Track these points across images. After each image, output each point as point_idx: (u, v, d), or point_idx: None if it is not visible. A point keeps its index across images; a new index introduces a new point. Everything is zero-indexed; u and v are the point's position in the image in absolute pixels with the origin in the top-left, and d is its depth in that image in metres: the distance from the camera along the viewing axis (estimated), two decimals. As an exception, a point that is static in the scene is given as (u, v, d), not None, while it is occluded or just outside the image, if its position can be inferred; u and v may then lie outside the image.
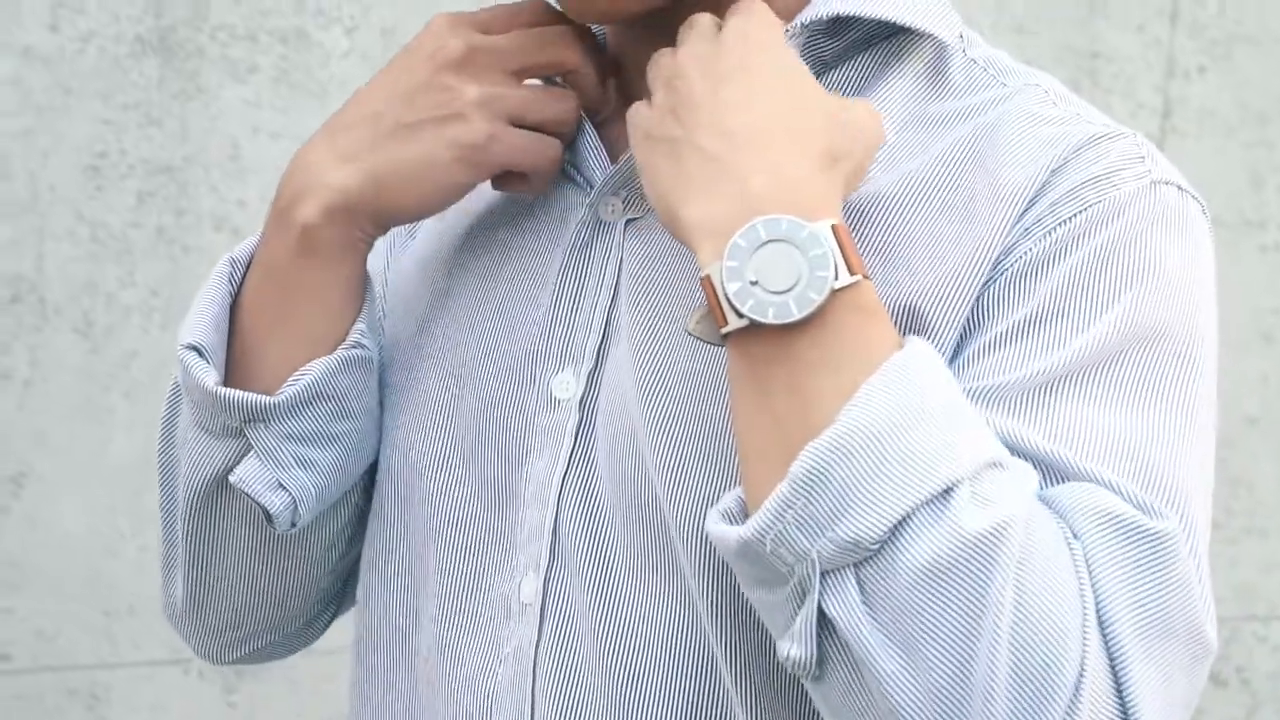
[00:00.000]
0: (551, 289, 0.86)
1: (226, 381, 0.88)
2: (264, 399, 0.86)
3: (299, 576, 0.95)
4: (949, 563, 0.65)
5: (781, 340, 0.70)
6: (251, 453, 0.87)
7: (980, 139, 0.79)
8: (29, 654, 1.91)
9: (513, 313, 0.87)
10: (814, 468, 0.66)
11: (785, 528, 0.67)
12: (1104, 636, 0.66)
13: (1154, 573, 0.67)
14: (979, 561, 0.65)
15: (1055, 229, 0.75)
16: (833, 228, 0.70)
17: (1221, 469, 2.16)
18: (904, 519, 0.66)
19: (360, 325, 0.88)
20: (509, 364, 0.86)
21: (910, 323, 0.76)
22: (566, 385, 0.84)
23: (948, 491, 0.66)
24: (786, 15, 0.83)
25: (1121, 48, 2.05)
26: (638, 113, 0.78)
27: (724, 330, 0.71)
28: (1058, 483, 0.70)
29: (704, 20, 0.78)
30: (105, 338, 1.88)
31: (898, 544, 0.66)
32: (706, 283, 0.71)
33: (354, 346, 0.88)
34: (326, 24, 1.87)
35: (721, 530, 0.70)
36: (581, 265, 0.85)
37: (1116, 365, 0.73)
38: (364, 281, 0.89)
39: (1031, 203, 0.76)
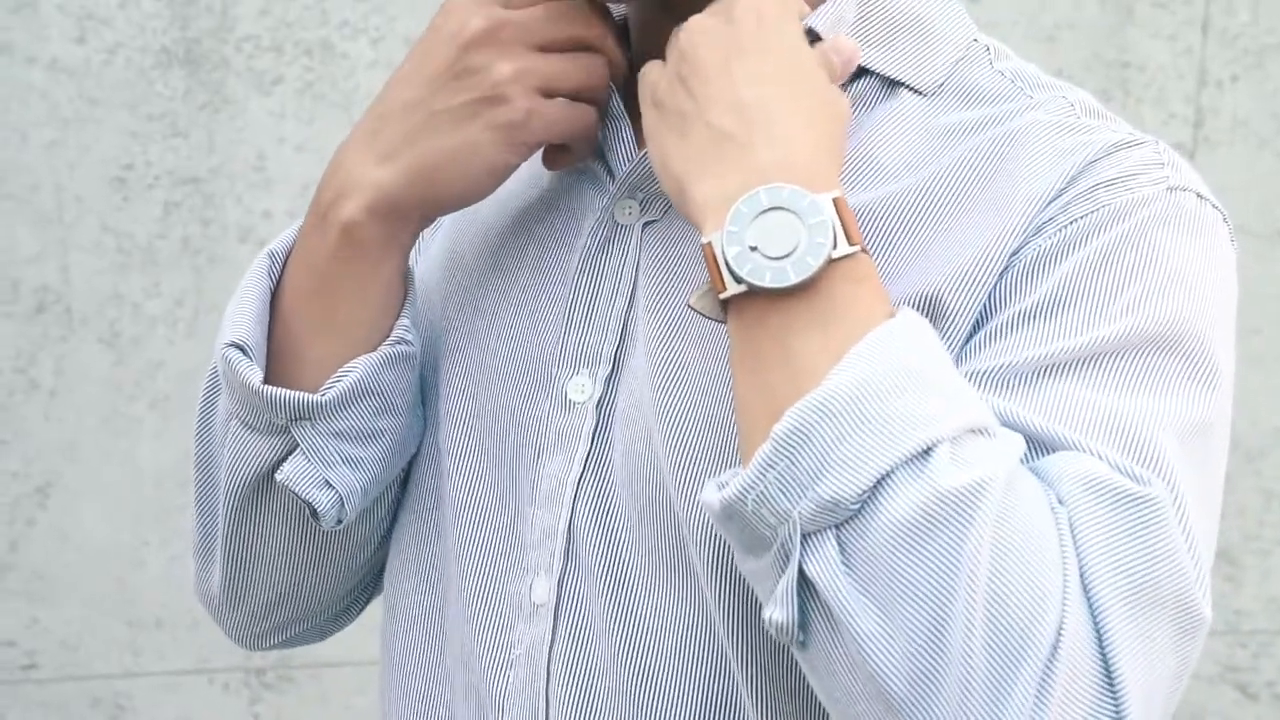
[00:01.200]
0: (568, 292, 0.86)
1: (268, 377, 0.87)
2: (311, 397, 0.86)
3: (337, 568, 0.95)
4: (925, 519, 0.65)
5: (777, 305, 0.70)
6: (298, 450, 0.87)
7: (1002, 145, 0.79)
8: (54, 663, 1.92)
9: (530, 314, 0.87)
10: (796, 427, 0.67)
11: (767, 487, 0.67)
12: (1088, 600, 0.65)
13: (1140, 538, 0.67)
14: (955, 518, 0.65)
15: (1067, 226, 0.75)
16: (834, 200, 0.71)
17: (1254, 481, 2.14)
18: (883, 478, 0.66)
19: (404, 320, 0.88)
20: (526, 364, 0.86)
21: (927, 312, 0.76)
22: (582, 388, 0.84)
23: (927, 451, 0.66)
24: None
25: (1153, 57, 2.03)
26: (649, 73, 0.79)
27: (722, 295, 0.71)
28: (1049, 450, 0.70)
29: None
30: (131, 348, 1.88)
31: (876, 502, 0.66)
32: (708, 249, 0.71)
33: (398, 342, 0.88)
34: (352, 35, 1.87)
35: (709, 496, 0.71)
36: (598, 268, 0.85)
37: (1120, 358, 0.72)
38: (407, 276, 0.88)
39: (1048, 205, 0.76)
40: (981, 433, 0.68)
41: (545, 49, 0.83)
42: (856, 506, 0.66)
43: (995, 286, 0.76)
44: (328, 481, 0.87)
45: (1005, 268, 0.76)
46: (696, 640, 0.79)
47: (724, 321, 0.73)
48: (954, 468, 0.66)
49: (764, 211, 0.70)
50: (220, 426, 0.90)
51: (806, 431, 0.67)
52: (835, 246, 0.70)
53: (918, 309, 0.75)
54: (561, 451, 0.84)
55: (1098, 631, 0.65)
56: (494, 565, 0.86)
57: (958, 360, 0.75)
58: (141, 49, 1.84)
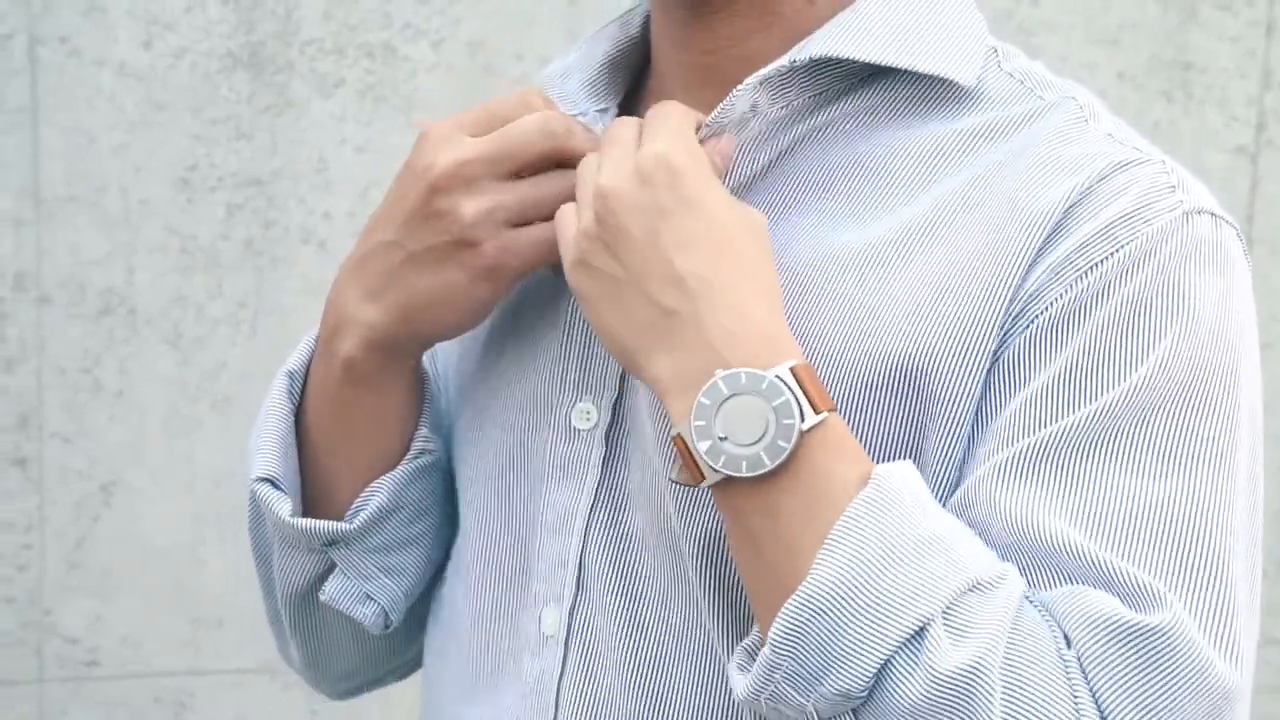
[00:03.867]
0: (564, 319, 0.85)
1: (304, 492, 0.89)
2: (339, 526, 0.87)
3: (403, 641, 0.98)
4: (931, 704, 0.66)
5: (759, 490, 0.71)
6: (337, 569, 0.89)
7: (1007, 161, 0.77)
8: (116, 661, 1.94)
9: (532, 343, 0.87)
10: (789, 630, 0.68)
11: (777, 687, 0.69)
12: None
13: (1156, 673, 0.67)
14: (958, 699, 0.66)
15: (1088, 272, 0.73)
16: (792, 369, 0.70)
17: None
18: (884, 665, 0.67)
19: (422, 431, 0.89)
20: (526, 393, 0.86)
21: (920, 376, 0.74)
22: (587, 415, 0.84)
23: (921, 630, 0.67)
24: (795, 35, 0.82)
25: (1216, 59, 2.01)
26: (567, 229, 0.77)
27: (703, 484, 0.72)
28: (1062, 575, 0.70)
29: (623, 135, 0.77)
30: (194, 349, 1.90)
31: (884, 690, 0.67)
32: (679, 440, 0.72)
33: (418, 455, 0.89)
34: (414, 37, 1.88)
35: (734, 680, 0.72)
36: None
37: (1152, 421, 0.71)
38: (419, 388, 0.89)
39: (1054, 234, 0.74)
40: (976, 589, 0.68)
41: (514, 174, 0.81)
42: (865, 695, 0.68)
43: (1011, 348, 0.74)
44: (369, 595, 0.89)
45: (1016, 321, 0.74)
46: (709, 673, 0.79)
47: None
48: (951, 644, 0.66)
49: (726, 399, 0.70)
50: (269, 533, 0.92)
51: (801, 631, 0.68)
52: (803, 419, 0.70)
53: (905, 378, 0.74)
54: (568, 481, 0.84)
55: None
56: (504, 596, 0.86)
57: (981, 437, 0.74)
58: (206, 53, 1.86)
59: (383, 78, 1.88)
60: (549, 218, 0.81)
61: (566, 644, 0.83)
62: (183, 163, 1.87)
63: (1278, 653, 2.16)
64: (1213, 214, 0.76)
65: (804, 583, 0.68)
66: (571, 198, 0.80)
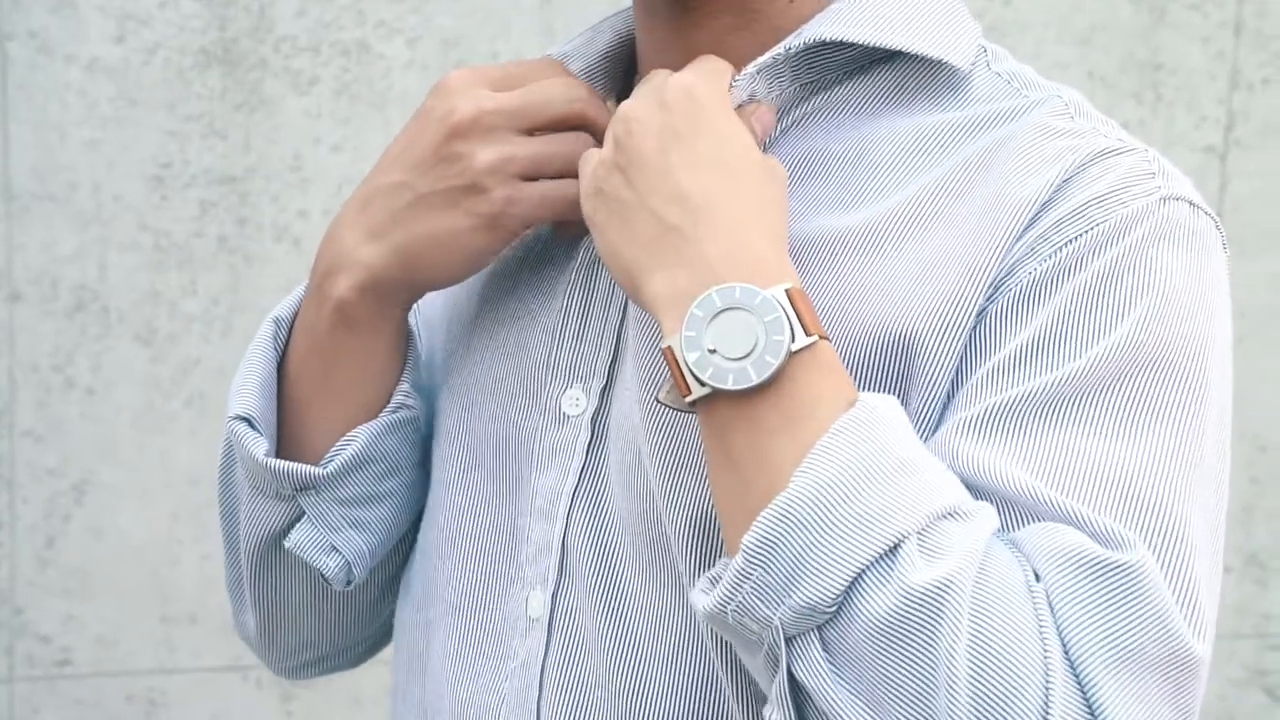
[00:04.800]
0: (560, 306, 0.86)
1: (279, 439, 0.89)
2: (312, 470, 0.87)
3: (360, 614, 0.98)
4: (899, 618, 0.66)
5: (743, 405, 0.71)
6: (305, 517, 0.89)
7: (991, 151, 0.79)
8: (90, 659, 1.93)
9: (522, 330, 0.88)
10: (764, 538, 0.68)
11: (745, 598, 0.69)
12: (1077, 676, 0.66)
13: (1122, 607, 0.67)
14: (926, 615, 0.66)
15: (1062, 247, 0.74)
16: (787, 291, 0.71)
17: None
18: (855, 579, 0.67)
19: (404, 386, 0.90)
20: (520, 379, 0.87)
21: (904, 350, 0.75)
22: (576, 401, 0.84)
23: (895, 548, 0.67)
24: (776, 34, 0.83)
25: (1185, 60, 2.03)
26: (588, 161, 0.79)
27: (687, 399, 0.72)
28: (1028, 520, 0.70)
29: (658, 75, 0.79)
30: (168, 347, 1.89)
31: (852, 604, 0.67)
32: (669, 353, 0.72)
33: (398, 409, 0.90)
34: (388, 35, 1.88)
35: (696, 600, 0.72)
36: (589, 281, 0.86)
37: (1116, 389, 0.72)
38: (405, 341, 0.90)
39: (1036, 218, 0.76)
40: (951, 515, 0.68)
41: (532, 131, 0.83)
42: (833, 609, 0.67)
43: (984, 317, 0.75)
44: (334, 546, 0.89)
45: (991, 297, 0.75)
46: (688, 653, 0.79)
47: (694, 413, 0.74)
48: (924, 561, 0.66)
49: (719, 313, 0.71)
50: (240, 484, 0.92)
51: (775, 541, 0.68)
52: (794, 339, 0.70)
53: (891, 348, 0.75)
54: (556, 465, 0.84)
55: (1089, 706, 0.65)
56: (490, 579, 0.87)
57: (953, 401, 0.75)
58: (180, 49, 1.85)
59: (357, 75, 1.88)
60: (558, 175, 0.83)
61: (550, 626, 0.83)
62: (155, 159, 1.86)
63: (1246, 645, 2.18)
64: (1191, 202, 0.77)
65: (782, 493, 0.68)
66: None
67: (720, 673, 0.78)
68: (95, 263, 1.86)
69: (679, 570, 0.79)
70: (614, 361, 0.84)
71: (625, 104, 0.78)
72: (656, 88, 0.77)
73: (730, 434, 0.71)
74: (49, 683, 1.93)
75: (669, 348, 0.72)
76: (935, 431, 0.75)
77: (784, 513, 0.67)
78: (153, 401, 1.90)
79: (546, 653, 0.83)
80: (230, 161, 1.87)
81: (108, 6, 1.83)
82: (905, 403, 0.76)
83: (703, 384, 0.71)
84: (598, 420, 0.84)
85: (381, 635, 1.01)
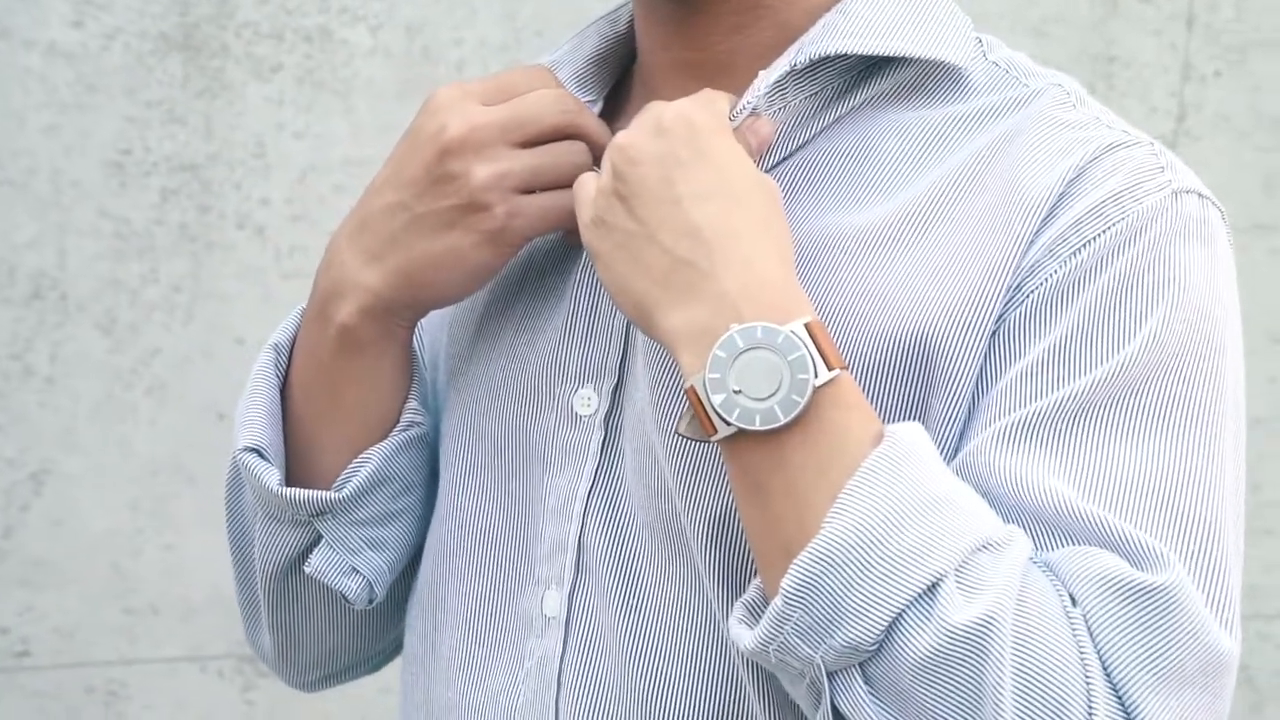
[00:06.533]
0: (567, 306, 0.86)
1: (289, 466, 0.89)
2: (328, 495, 0.87)
3: (381, 625, 0.98)
4: (942, 656, 0.67)
5: (771, 444, 0.71)
6: (323, 541, 0.89)
7: (1000, 145, 0.80)
8: (49, 651, 1.91)
9: (530, 331, 0.88)
10: (802, 581, 0.69)
11: (786, 638, 0.70)
12: (1119, 697, 0.68)
13: (1159, 629, 0.69)
14: (971, 652, 0.67)
15: (1081, 249, 0.75)
16: (807, 326, 0.71)
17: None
18: (896, 619, 0.68)
19: (412, 403, 0.90)
20: (526, 380, 0.87)
21: (924, 352, 0.76)
22: (588, 401, 0.84)
23: (934, 586, 0.68)
24: (783, 28, 0.84)
25: (1138, 52, 2.06)
26: (585, 187, 0.78)
27: (713, 438, 0.72)
28: (1066, 538, 0.71)
29: (655, 106, 0.78)
30: (128, 335, 1.87)
31: (894, 643, 0.68)
32: (692, 393, 0.72)
33: (409, 427, 0.89)
34: (351, 22, 1.87)
35: (737, 633, 0.73)
36: (594, 282, 0.86)
37: (1145, 390, 0.73)
38: (411, 359, 0.89)
39: (1051, 215, 0.77)
40: (986, 547, 0.69)
41: (525, 144, 0.83)
42: (875, 648, 0.68)
43: (1005, 321, 0.76)
44: (354, 568, 0.89)
45: (1012, 298, 0.76)
46: (708, 651, 0.80)
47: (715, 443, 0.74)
48: (963, 599, 0.67)
49: (741, 353, 0.71)
50: (250, 510, 0.92)
51: (814, 583, 0.68)
52: (817, 375, 0.71)
53: (908, 353, 0.76)
54: (569, 465, 0.84)
55: None
56: (503, 580, 0.87)
57: (978, 406, 0.75)
58: (140, 34, 1.83)
59: (320, 62, 1.87)
60: (556, 186, 0.82)
61: (567, 626, 0.83)
62: (115, 145, 1.84)
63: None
64: (1199, 194, 0.79)
65: (819, 535, 0.68)
66: (584, 168, 0.82)
67: (741, 670, 0.79)
68: (54, 249, 1.84)
69: (698, 567, 0.79)
70: (624, 360, 0.84)
71: (623, 133, 0.77)
72: (655, 116, 0.77)
73: (757, 471, 0.72)
74: (7, 675, 1.91)
75: (692, 387, 0.72)
76: (960, 438, 0.76)
77: (821, 555, 0.68)
78: (112, 391, 1.88)
79: (564, 652, 0.83)
80: (192, 148, 1.86)
81: (66, -9, 1.81)
82: (927, 407, 0.76)
83: (729, 424, 0.71)
84: (611, 419, 0.84)
85: (400, 641, 1.00)
